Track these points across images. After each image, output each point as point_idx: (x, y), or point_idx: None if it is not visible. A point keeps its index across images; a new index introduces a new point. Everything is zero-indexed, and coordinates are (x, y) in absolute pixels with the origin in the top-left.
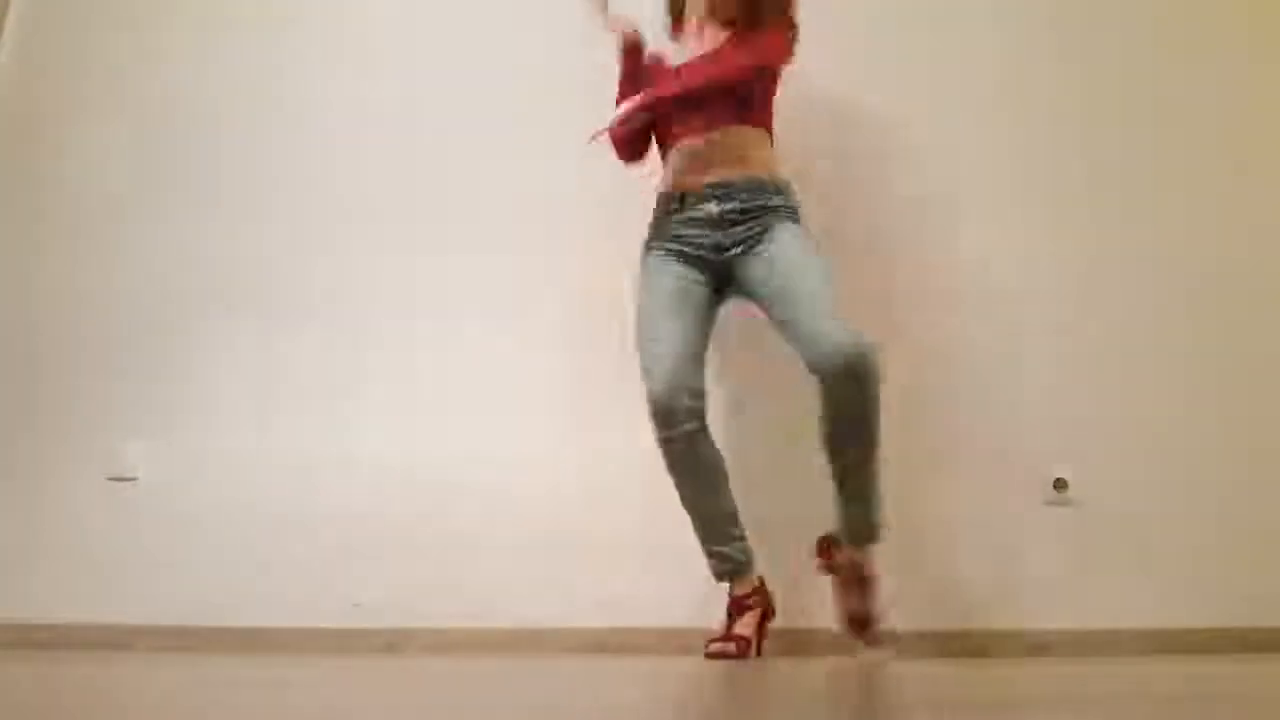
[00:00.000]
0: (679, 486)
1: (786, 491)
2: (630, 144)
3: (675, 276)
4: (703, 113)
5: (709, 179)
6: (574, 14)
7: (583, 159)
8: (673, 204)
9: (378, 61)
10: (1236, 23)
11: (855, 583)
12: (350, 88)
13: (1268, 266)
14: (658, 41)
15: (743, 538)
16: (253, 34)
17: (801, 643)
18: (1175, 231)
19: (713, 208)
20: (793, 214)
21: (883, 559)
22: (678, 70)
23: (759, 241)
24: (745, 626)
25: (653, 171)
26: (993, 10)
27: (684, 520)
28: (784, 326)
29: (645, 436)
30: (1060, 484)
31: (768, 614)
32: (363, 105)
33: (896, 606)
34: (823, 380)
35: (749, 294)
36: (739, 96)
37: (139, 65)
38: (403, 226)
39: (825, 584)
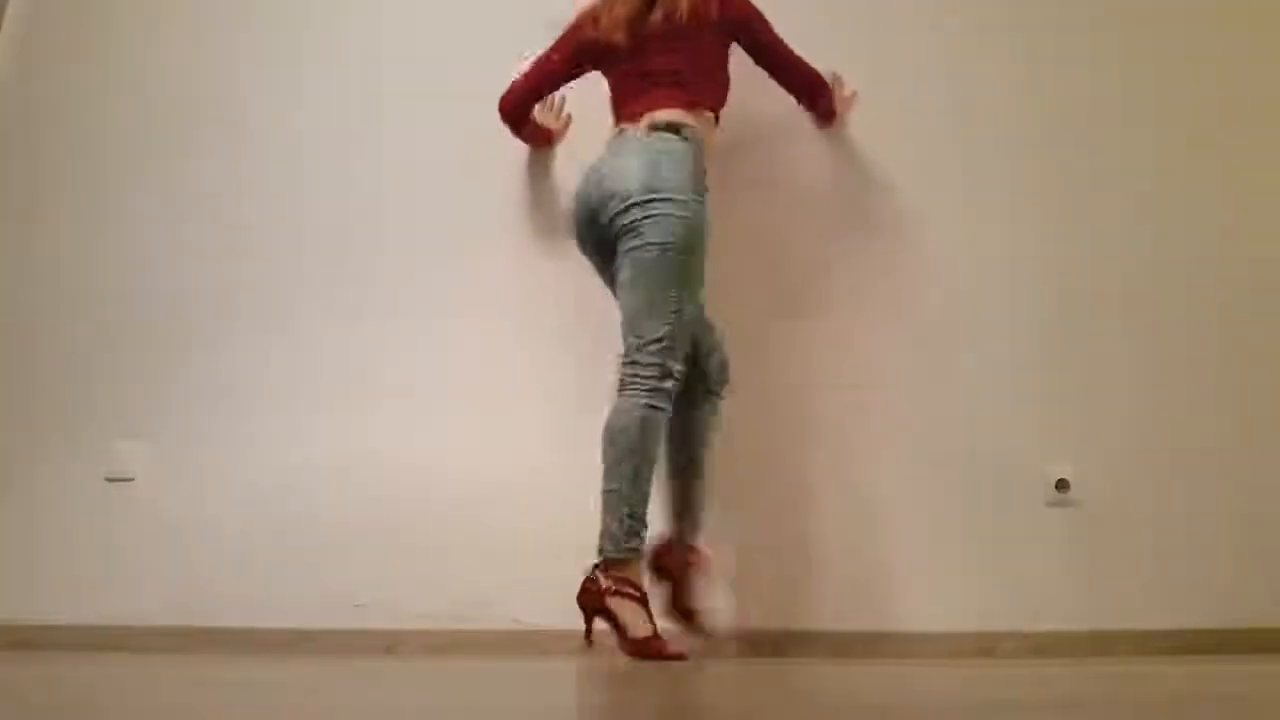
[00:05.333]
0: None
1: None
2: None
3: None
4: None
5: None
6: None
7: (573, 158)
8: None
9: (377, 63)
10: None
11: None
12: (352, 88)
13: (1267, 264)
14: None
15: None
16: (254, 33)
17: (801, 645)
18: (1174, 230)
19: None
20: None
21: (883, 561)
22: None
23: None
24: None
25: None
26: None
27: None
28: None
29: None
30: (1061, 484)
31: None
32: (365, 106)
33: (899, 609)
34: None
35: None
36: None
37: (138, 65)
38: (404, 228)
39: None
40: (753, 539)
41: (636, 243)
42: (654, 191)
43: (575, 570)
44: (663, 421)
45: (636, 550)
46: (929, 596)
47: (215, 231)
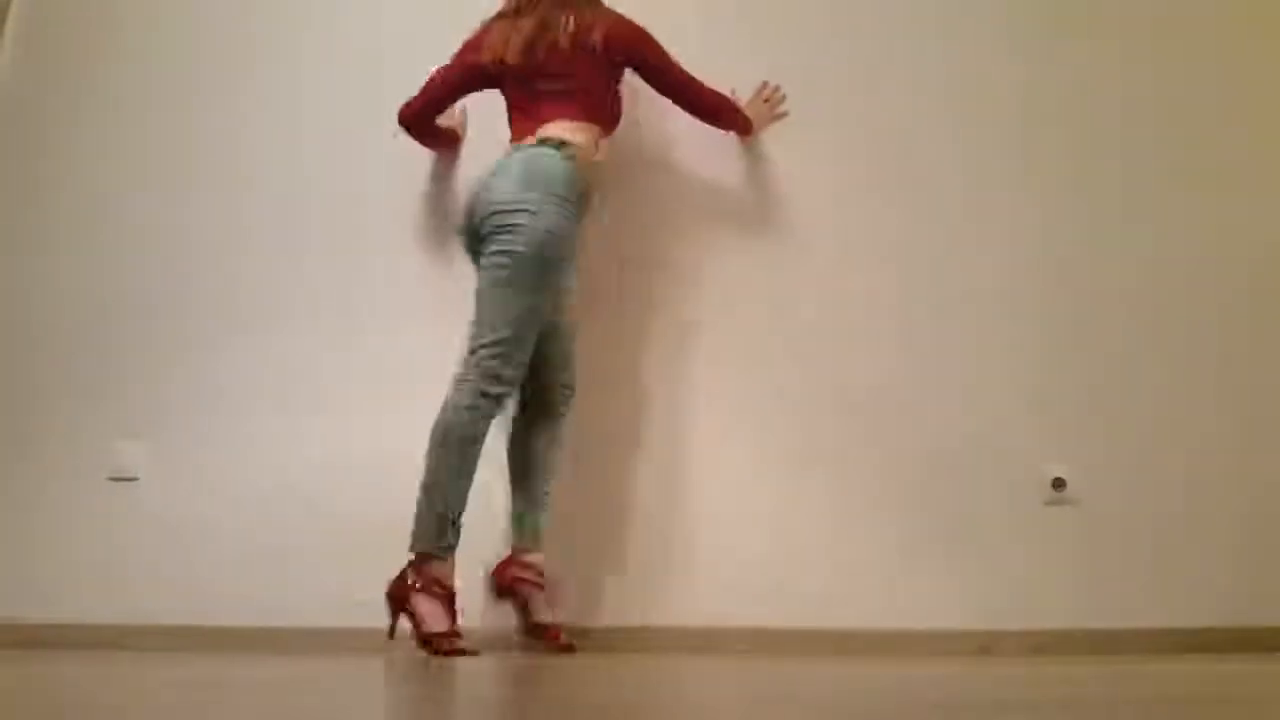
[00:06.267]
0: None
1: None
2: None
3: None
4: None
5: None
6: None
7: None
8: None
9: (377, 63)
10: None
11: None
12: (352, 88)
13: (1268, 264)
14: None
15: None
16: (255, 33)
17: (800, 643)
18: (1174, 229)
19: None
20: None
21: (883, 559)
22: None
23: None
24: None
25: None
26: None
27: (677, 521)
28: None
29: (644, 437)
30: (1058, 483)
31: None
32: (364, 105)
33: (897, 607)
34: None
35: None
36: None
37: (138, 65)
38: (404, 227)
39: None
40: (751, 539)
41: (493, 248)
42: (518, 202)
43: (574, 570)
44: (486, 425)
45: (450, 548)
46: (928, 595)
47: (216, 232)
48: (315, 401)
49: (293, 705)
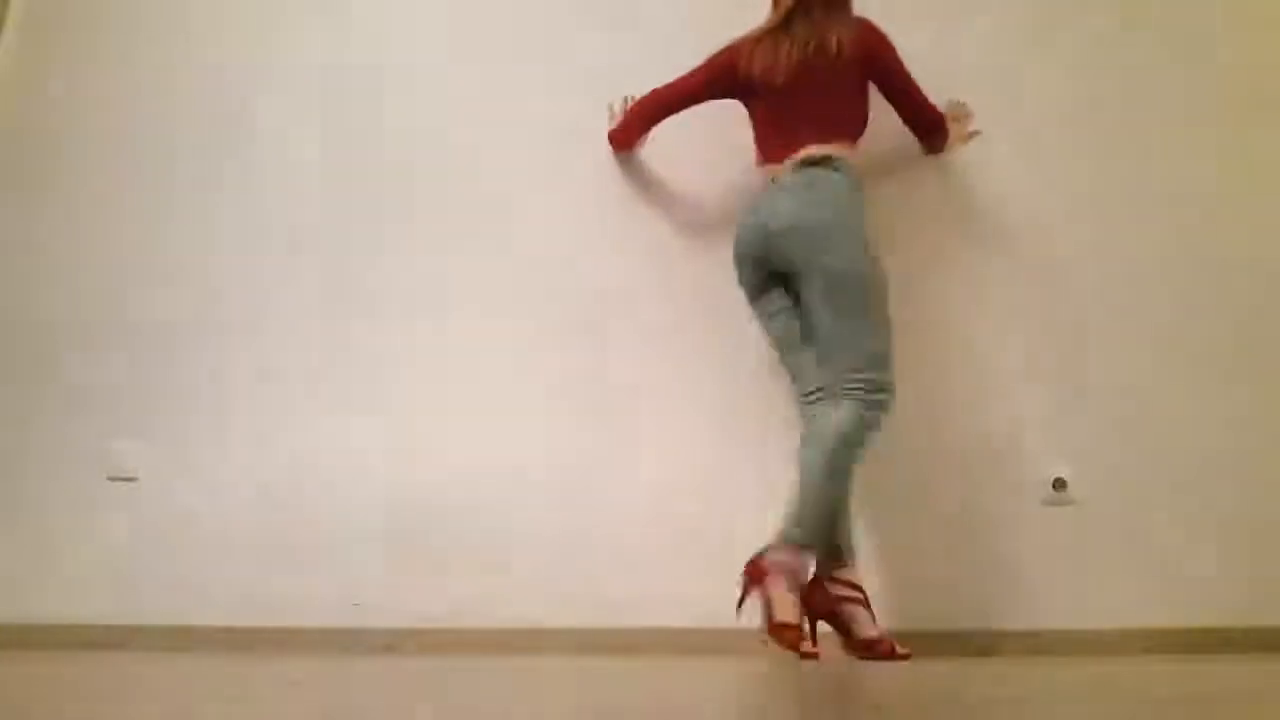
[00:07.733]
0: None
1: None
2: None
3: None
4: None
5: None
6: (581, 9)
7: (591, 161)
8: None
9: (377, 61)
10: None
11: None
12: (352, 88)
13: (1269, 264)
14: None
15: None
16: (253, 34)
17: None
18: (1175, 229)
19: None
20: None
21: (882, 559)
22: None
23: None
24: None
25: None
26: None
27: (680, 522)
28: None
29: (642, 437)
30: (1059, 484)
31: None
32: (365, 105)
33: (896, 607)
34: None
35: None
36: None
37: (138, 66)
38: (403, 227)
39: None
40: (751, 537)
41: (820, 269)
42: (820, 222)
43: (575, 569)
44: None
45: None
46: (930, 595)
47: (218, 231)
48: (316, 401)
49: (293, 705)
